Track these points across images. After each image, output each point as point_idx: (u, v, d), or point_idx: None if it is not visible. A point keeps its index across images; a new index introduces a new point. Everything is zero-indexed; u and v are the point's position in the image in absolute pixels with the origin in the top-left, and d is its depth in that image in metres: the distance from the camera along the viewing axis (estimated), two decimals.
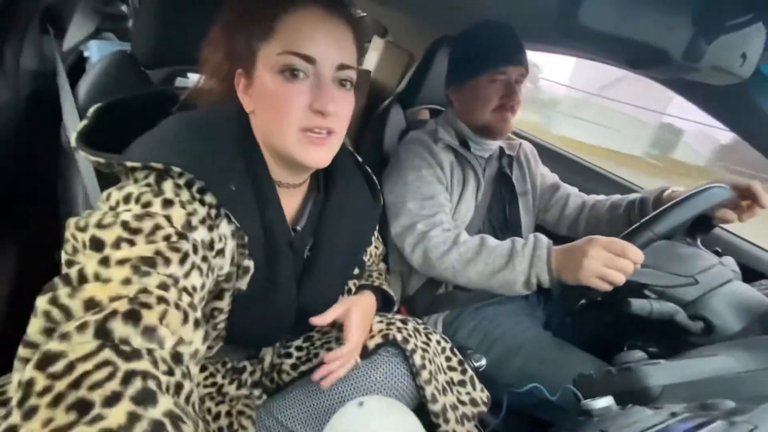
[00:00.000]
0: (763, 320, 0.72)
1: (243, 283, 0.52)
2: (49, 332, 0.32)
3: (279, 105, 0.48)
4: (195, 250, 0.43)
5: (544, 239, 0.76)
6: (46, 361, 0.29)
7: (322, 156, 0.51)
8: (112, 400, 0.27)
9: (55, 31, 1.12)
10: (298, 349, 0.67)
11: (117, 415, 0.27)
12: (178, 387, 0.33)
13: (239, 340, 0.60)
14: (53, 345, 0.30)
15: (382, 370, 0.62)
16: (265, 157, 0.53)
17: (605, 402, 0.47)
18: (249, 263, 0.51)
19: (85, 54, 1.21)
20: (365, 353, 0.64)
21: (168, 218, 0.42)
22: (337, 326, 0.70)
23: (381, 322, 0.67)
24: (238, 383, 0.64)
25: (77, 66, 1.19)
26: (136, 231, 0.39)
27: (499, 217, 1.01)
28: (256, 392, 0.65)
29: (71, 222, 0.40)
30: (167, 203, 0.43)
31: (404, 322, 0.67)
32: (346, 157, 0.65)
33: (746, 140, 0.80)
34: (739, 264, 0.84)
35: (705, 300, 0.71)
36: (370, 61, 1.63)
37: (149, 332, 0.34)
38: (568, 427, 0.48)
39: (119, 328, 0.32)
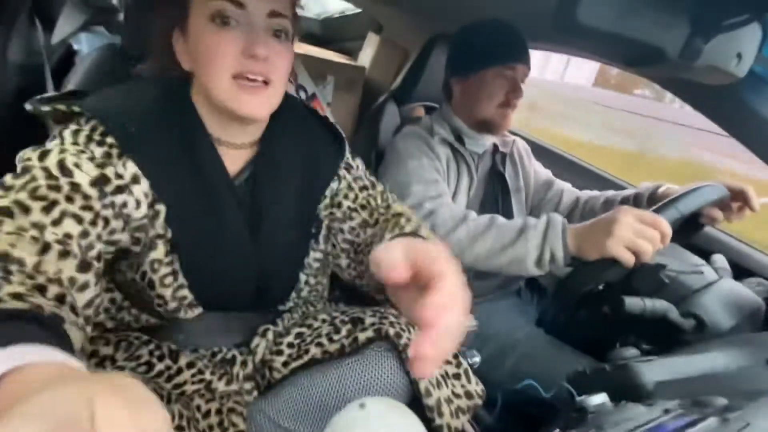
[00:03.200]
0: (753, 317, 0.73)
1: (159, 226, 0.53)
2: None
3: (211, 53, 0.49)
4: (70, 199, 0.43)
5: (558, 216, 0.74)
6: None
7: (256, 106, 0.51)
8: None
9: (44, 24, 1.10)
10: (290, 346, 0.66)
11: None
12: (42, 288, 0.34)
13: (210, 304, 0.61)
14: None
15: (375, 366, 0.61)
16: (205, 115, 0.55)
17: (600, 399, 0.47)
18: (159, 207, 0.52)
19: (75, 47, 1.19)
20: (356, 349, 0.64)
21: (45, 169, 0.43)
22: (328, 322, 0.69)
23: (374, 315, 0.67)
24: (227, 379, 0.63)
25: (67, 59, 1.17)
26: (8, 188, 0.41)
27: (492, 213, 1.01)
28: (247, 386, 0.64)
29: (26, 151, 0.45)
30: (47, 152, 0.45)
31: (397, 316, 0.67)
32: (292, 109, 0.64)
33: (737, 139, 0.81)
34: (730, 261, 0.85)
35: (697, 298, 0.72)
36: (365, 58, 1.62)
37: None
38: (562, 424, 0.48)
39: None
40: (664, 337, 0.71)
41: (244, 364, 0.64)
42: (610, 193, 0.99)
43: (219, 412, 0.59)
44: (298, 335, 0.68)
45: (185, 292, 0.57)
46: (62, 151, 0.46)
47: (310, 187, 0.64)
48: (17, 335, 0.25)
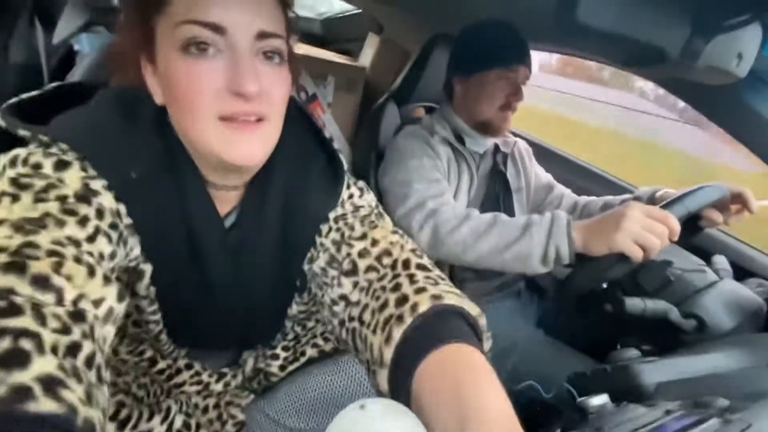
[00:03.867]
0: (754, 318, 0.73)
1: (141, 287, 0.45)
2: None
3: (187, 91, 0.38)
4: (100, 215, 0.37)
5: (562, 213, 0.73)
6: None
7: (251, 150, 0.41)
8: None
9: (45, 24, 1.10)
10: (285, 349, 0.66)
11: None
12: (74, 348, 0.28)
13: (191, 348, 0.58)
14: None
15: None
16: (192, 153, 0.44)
17: (600, 400, 0.47)
18: (145, 267, 0.44)
19: (76, 47, 1.19)
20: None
21: (61, 180, 0.36)
22: (322, 321, 0.67)
23: None
24: (225, 382, 0.63)
25: (67, 59, 1.17)
26: (25, 186, 0.34)
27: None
28: (243, 393, 0.64)
29: None
30: (61, 165, 0.37)
31: None
32: (294, 139, 0.50)
33: (738, 139, 0.81)
34: (731, 262, 0.85)
35: (698, 298, 0.72)
36: (366, 58, 1.62)
37: (40, 281, 0.29)
38: (563, 425, 0.48)
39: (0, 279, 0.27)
40: (665, 338, 0.71)
41: (234, 377, 0.64)
42: (608, 198, 0.99)
43: (217, 406, 0.60)
44: (294, 337, 0.68)
45: (164, 338, 0.53)
46: (81, 167, 0.38)
47: (293, 239, 0.52)
48: None
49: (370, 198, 0.56)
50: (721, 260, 0.84)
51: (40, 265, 0.29)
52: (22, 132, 0.39)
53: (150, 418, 0.51)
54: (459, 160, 0.94)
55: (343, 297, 0.47)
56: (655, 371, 0.54)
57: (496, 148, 1.01)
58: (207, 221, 0.46)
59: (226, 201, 0.49)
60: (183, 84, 0.38)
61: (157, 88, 0.42)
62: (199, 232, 0.45)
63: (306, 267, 0.54)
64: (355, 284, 0.46)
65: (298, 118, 0.52)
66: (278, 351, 0.65)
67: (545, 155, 1.27)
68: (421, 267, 0.44)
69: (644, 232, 0.63)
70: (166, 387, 0.59)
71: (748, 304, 0.72)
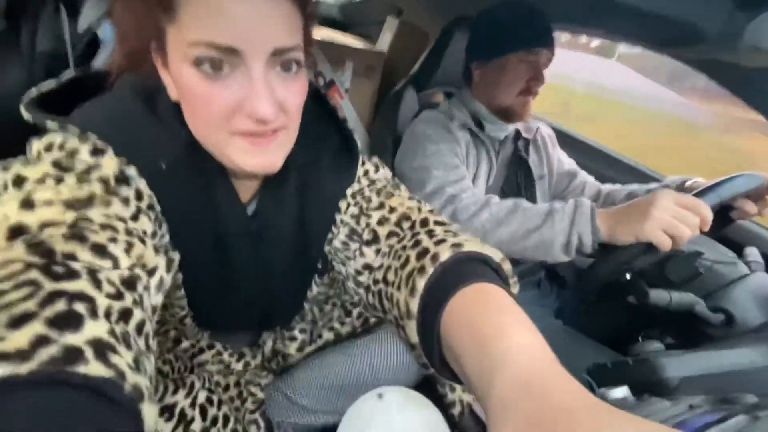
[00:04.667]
0: None
1: (168, 276, 0.44)
2: None
3: (201, 106, 0.37)
4: (139, 196, 0.38)
5: (586, 200, 0.71)
6: None
7: (269, 160, 0.40)
8: (20, 321, 0.23)
9: (69, 12, 1.12)
10: (302, 331, 0.68)
11: (19, 337, 0.22)
12: (126, 313, 0.29)
13: (213, 330, 0.61)
14: None
15: (387, 345, 0.62)
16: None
17: (621, 392, 0.46)
18: (173, 255, 0.44)
19: (100, 35, 1.21)
20: (367, 330, 0.65)
21: (99, 165, 0.36)
22: (339, 305, 0.70)
23: None
24: (245, 362, 0.65)
25: (91, 47, 1.19)
26: (67, 168, 0.34)
27: None
28: (262, 373, 0.66)
29: None
30: (97, 151, 0.37)
31: None
32: (311, 125, 0.50)
33: None
34: (763, 255, 0.81)
35: (727, 291, 0.69)
36: (384, 43, 1.59)
37: (99, 250, 0.29)
38: None
39: (60, 245, 0.28)
40: (690, 332, 0.69)
41: (254, 357, 0.67)
42: (633, 186, 0.95)
43: (238, 384, 0.62)
44: (311, 321, 0.69)
45: (189, 321, 0.55)
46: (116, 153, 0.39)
47: (313, 222, 0.53)
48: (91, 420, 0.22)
49: (385, 172, 0.56)
50: (753, 252, 0.80)
51: (97, 237, 0.30)
52: (50, 124, 0.39)
53: (175, 391, 0.53)
54: (478, 146, 0.92)
55: (367, 266, 0.47)
56: (679, 365, 0.52)
57: (518, 133, 0.98)
58: (231, 210, 0.46)
59: (247, 189, 0.49)
60: (197, 100, 0.37)
61: (171, 84, 0.40)
62: (223, 221, 0.46)
63: (326, 248, 0.55)
64: (378, 251, 0.47)
65: (312, 101, 0.51)
66: (296, 333, 0.67)
67: (568, 142, 1.23)
68: (439, 223, 0.44)
69: (674, 221, 0.61)
70: (190, 364, 0.62)
71: None
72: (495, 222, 0.73)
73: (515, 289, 0.40)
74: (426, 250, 0.39)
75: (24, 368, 0.21)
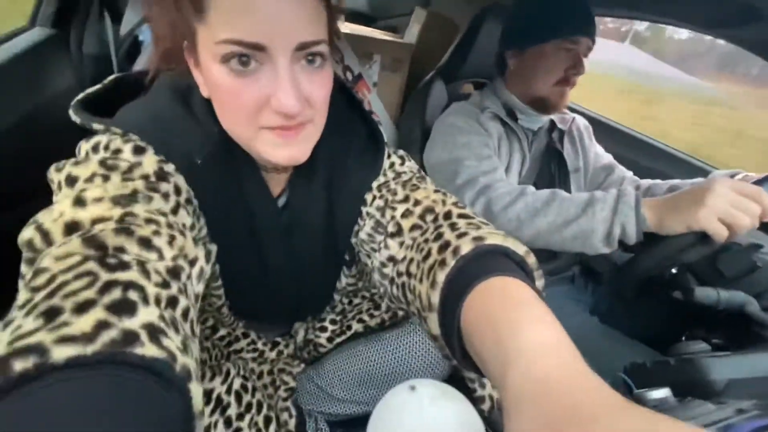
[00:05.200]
0: None
1: (208, 267, 0.45)
2: (32, 262, 0.31)
3: (229, 103, 0.40)
4: (177, 191, 0.40)
5: (630, 189, 0.68)
6: (33, 278, 0.28)
7: (296, 153, 0.42)
8: (83, 307, 0.26)
9: (112, 17, 1.18)
10: (332, 322, 0.69)
11: (83, 322, 0.25)
12: (173, 301, 0.31)
13: (248, 321, 0.63)
14: (40, 263, 0.29)
15: (416, 337, 0.63)
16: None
17: (661, 393, 0.44)
18: (210, 247, 0.46)
19: (140, 38, 1.27)
20: (396, 323, 0.65)
21: (140, 163, 0.40)
22: (368, 298, 0.71)
23: None
24: (278, 351, 0.68)
25: (133, 49, 1.25)
26: (113, 167, 0.37)
27: None
28: (294, 362, 0.69)
29: (52, 167, 0.39)
30: (138, 150, 0.41)
31: None
32: (338, 117, 0.51)
33: None
34: None
35: None
36: (412, 35, 1.57)
37: (145, 242, 0.32)
38: None
39: (111, 239, 0.31)
40: (741, 332, 0.65)
41: (286, 346, 0.69)
42: (675, 181, 0.89)
43: (271, 372, 0.65)
44: (340, 312, 0.70)
45: (225, 311, 0.58)
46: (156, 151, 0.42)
47: (340, 214, 0.55)
48: (150, 399, 0.24)
49: (411, 164, 0.57)
50: None
51: (143, 230, 0.33)
52: (96, 126, 0.43)
53: (212, 378, 0.56)
54: (510, 138, 0.90)
55: (391, 258, 0.48)
56: (726, 366, 0.49)
57: (552, 125, 0.95)
58: (262, 202, 0.49)
59: (278, 182, 0.52)
60: (226, 96, 0.39)
61: (202, 82, 0.43)
62: (256, 214, 0.48)
63: (353, 240, 0.56)
64: (401, 243, 0.47)
65: (338, 94, 0.52)
66: (326, 324, 0.69)
67: (607, 132, 1.18)
68: (462, 216, 0.44)
69: (732, 210, 0.56)
70: (226, 352, 0.65)
71: None
72: (531, 212, 0.71)
73: (540, 283, 0.39)
74: (447, 243, 0.39)
75: (89, 349, 0.23)
